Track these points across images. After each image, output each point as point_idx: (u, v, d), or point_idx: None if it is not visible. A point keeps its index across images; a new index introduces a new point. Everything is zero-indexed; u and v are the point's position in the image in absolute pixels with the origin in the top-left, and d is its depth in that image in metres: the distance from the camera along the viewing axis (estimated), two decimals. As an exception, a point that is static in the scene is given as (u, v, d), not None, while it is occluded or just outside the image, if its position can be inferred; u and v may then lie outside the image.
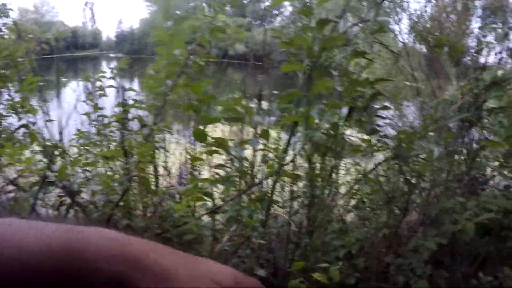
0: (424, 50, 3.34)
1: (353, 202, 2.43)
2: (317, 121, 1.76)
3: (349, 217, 2.49)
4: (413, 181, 2.13)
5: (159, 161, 2.66)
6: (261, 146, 1.82)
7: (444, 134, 2.19)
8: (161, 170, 2.70)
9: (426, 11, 3.65)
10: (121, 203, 2.29)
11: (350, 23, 2.01)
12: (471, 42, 3.61)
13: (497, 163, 2.76)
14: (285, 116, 1.74)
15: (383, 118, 2.00)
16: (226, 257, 2.37)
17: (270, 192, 2.06)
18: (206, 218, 2.43)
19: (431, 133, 2.04)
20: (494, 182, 3.13)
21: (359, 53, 1.78)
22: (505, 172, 2.73)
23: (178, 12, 2.42)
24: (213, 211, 1.94)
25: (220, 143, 1.82)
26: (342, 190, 2.37)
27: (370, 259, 2.22)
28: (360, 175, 2.22)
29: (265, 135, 1.72)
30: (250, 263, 2.27)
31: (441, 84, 2.97)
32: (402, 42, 3.04)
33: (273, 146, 1.89)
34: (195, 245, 2.27)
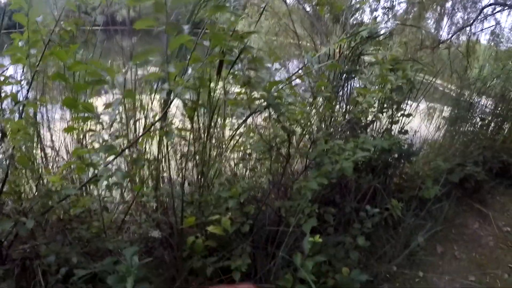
0: (308, 9, 3.38)
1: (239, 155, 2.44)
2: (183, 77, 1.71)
3: (239, 169, 2.51)
4: (291, 128, 2.17)
5: (43, 138, 2.47)
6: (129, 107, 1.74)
7: (318, 83, 2.24)
8: (47, 148, 2.51)
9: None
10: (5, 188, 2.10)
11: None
12: (352, 1, 3.72)
13: (373, 110, 2.92)
14: (149, 74, 1.66)
15: (254, 69, 1.99)
16: (122, 225, 2.30)
17: (154, 153, 1.99)
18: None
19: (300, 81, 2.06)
20: (376, 127, 3.34)
21: (219, 8, 1.73)
22: (381, 116, 2.91)
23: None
24: (89, 180, 1.82)
25: (88, 108, 1.70)
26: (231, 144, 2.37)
27: (260, 205, 2.27)
28: (242, 128, 2.22)
29: (129, 95, 1.63)
30: (145, 227, 2.21)
31: (322, 40, 3.05)
32: (285, 2, 3.05)
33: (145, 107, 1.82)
34: (86, 219, 2.16)
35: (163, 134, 1.76)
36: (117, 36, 2.97)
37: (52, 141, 2.58)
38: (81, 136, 2.39)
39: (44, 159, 2.57)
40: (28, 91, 2.07)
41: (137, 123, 2.09)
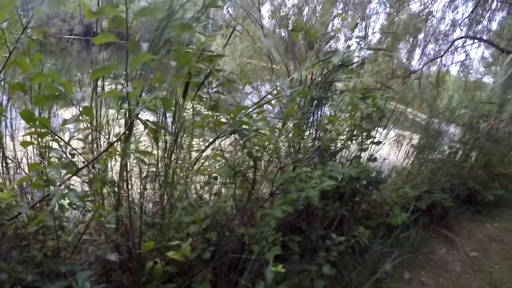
0: (283, 34, 3.36)
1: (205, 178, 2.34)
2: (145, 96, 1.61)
3: (204, 193, 2.40)
4: (258, 154, 2.10)
5: (6, 148, 2.32)
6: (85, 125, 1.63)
7: (287, 110, 2.18)
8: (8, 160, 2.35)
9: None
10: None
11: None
12: (328, 30, 3.74)
13: (343, 137, 2.88)
14: (107, 92, 1.56)
15: (221, 94, 1.92)
16: (79, 246, 2.15)
17: (114, 173, 1.87)
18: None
19: (270, 107, 2.00)
20: (345, 154, 3.29)
21: (185, 27, 1.65)
22: (350, 144, 2.87)
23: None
24: (42, 200, 1.69)
25: (43, 123, 1.59)
26: (196, 167, 2.27)
27: (223, 232, 2.16)
28: (209, 152, 2.13)
29: (87, 112, 1.52)
30: (103, 249, 2.07)
31: (296, 66, 3.02)
32: (260, 26, 3.01)
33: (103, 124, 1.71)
34: (42, 236, 2.00)
35: (121, 155, 1.65)
36: (93, 47, 2.86)
37: (14, 151, 2.43)
38: (42, 150, 2.25)
39: (5, 169, 2.42)
40: None
41: (98, 141, 1.98)
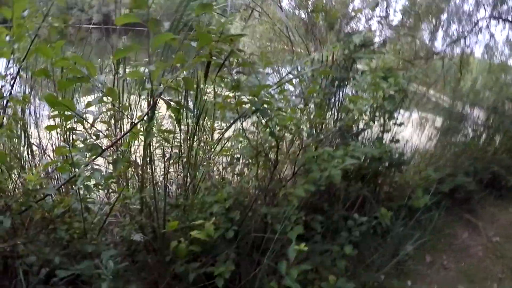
0: (303, 15, 3.29)
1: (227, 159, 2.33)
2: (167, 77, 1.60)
3: (227, 173, 2.40)
4: (280, 134, 2.07)
5: (31, 135, 2.36)
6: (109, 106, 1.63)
7: (309, 89, 2.14)
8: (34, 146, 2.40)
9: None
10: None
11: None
12: (348, 9, 3.63)
13: (365, 118, 2.80)
14: (129, 72, 1.56)
15: (243, 73, 1.89)
16: (105, 227, 2.18)
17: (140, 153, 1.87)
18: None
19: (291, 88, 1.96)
20: (368, 135, 3.23)
21: (205, 7, 1.63)
22: (372, 125, 2.81)
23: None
24: (67, 181, 1.71)
25: (68, 106, 1.59)
26: (218, 148, 2.26)
27: (246, 211, 2.15)
28: (231, 133, 2.11)
29: (110, 93, 1.52)
30: (128, 230, 2.10)
31: (317, 47, 2.95)
32: (280, 7, 2.95)
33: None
34: (68, 218, 2.04)
35: (143, 135, 1.66)
36: (113, 35, 2.86)
37: (39, 138, 2.47)
38: (66, 134, 2.28)
39: (30, 156, 2.46)
40: (12, 86, 1.97)
41: (122, 122, 1.99)
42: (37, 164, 2.36)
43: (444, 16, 6.26)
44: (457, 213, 4.10)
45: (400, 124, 3.25)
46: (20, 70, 1.95)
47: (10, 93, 1.95)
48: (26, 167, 2.27)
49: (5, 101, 1.92)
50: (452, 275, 3.16)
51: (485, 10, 6.94)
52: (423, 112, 4.78)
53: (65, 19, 2.03)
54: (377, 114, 2.85)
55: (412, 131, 4.39)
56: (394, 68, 2.94)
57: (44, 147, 2.48)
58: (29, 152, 2.42)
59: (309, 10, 3.17)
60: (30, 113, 2.45)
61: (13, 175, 2.14)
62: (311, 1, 3.22)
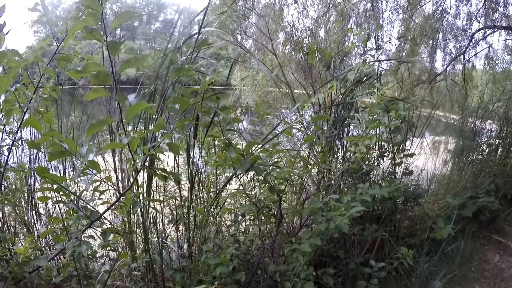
0: (300, 58, 3.18)
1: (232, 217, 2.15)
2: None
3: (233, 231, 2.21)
4: (281, 187, 1.89)
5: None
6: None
7: (305, 138, 1.97)
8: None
9: (300, 23, 3.55)
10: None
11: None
12: (342, 46, 3.51)
13: (373, 155, 2.59)
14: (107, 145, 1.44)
15: (234, 131, 1.74)
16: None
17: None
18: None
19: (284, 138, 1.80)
20: (379, 171, 2.99)
21: (180, 70, 1.52)
22: (381, 161, 2.59)
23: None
24: (57, 253, 1.58)
25: (54, 180, 1.49)
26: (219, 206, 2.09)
27: (253, 270, 1.95)
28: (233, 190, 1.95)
29: (93, 166, 1.42)
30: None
31: (315, 88, 2.81)
32: (274, 54, 2.85)
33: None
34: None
35: (131, 204, 1.52)
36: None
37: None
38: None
39: (37, 220, 2.40)
40: (7, 157, 1.91)
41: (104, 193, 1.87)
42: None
43: (440, 36, 6.09)
44: (485, 236, 3.76)
45: (411, 155, 3.01)
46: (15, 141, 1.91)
47: (6, 164, 1.89)
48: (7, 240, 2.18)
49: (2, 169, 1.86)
50: (489, 304, 2.83)
51: (478, 22, 6.76)
52: (435, 135, 4.52)
53: (54, 89, 1.98)
54: (384, 149, 2.64)
55: (425, 158, 4.12)
56: (395, 98, 2.74)
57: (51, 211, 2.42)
58: (36, 216, 2.36)
59: (303, 52, 3.06)
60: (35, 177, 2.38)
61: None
62: (306, 44, 3.13)
